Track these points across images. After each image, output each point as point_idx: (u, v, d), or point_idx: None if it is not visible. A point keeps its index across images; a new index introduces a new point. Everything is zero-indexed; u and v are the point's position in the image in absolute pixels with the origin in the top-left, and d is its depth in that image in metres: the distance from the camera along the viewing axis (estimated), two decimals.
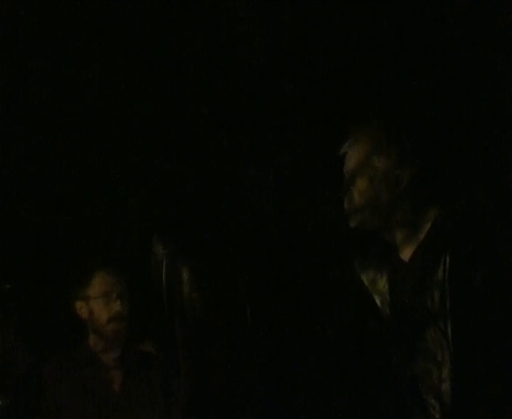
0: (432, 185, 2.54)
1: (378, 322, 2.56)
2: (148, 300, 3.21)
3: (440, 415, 2.34)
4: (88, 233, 3.95)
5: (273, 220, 3.64)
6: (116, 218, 4.01)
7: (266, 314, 3.13)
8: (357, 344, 3.15)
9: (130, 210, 4.00)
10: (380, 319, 2.55)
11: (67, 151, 3.97)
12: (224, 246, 3.17)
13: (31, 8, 3.82)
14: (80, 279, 3.32)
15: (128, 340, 3.32)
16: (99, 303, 3.26)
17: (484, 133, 3.43)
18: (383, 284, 2.54)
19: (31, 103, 3.92)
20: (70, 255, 3.76)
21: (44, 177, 3.97)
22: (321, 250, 3.45)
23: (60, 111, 3.92)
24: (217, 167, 3.78)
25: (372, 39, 3.59)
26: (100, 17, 3.84)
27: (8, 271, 3.65)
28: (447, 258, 2.35)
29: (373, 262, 2.60)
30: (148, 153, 3.92)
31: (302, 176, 3.62)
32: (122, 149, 3.95)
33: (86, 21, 3.84)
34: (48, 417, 3.23)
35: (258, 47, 3.63)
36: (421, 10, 3.53)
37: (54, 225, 3.94)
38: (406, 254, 2.50)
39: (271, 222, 3.65)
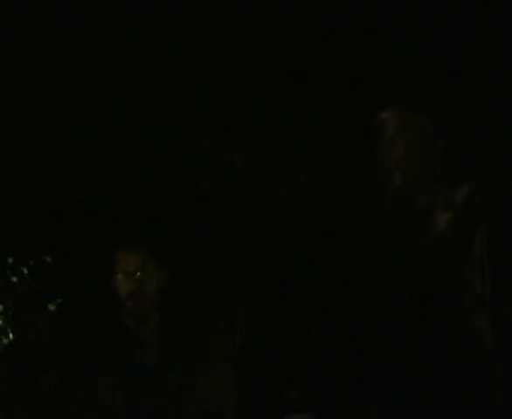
0: (466, 158, 2.58)
1: (416, 295, 2.59)
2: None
3: (492, 390, 2.36)
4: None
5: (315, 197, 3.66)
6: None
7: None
8: (397, 321, 3.16)
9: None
10: (417, 293, 2.59)
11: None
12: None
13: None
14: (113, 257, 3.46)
15: (165, 317, 3.43)
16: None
17: None
18: (418, 256, 2.59)
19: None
20: (113, 231, 3.84)
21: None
22: (355, 227, 3.48)
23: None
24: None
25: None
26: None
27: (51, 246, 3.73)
28: (484, 231, 2.39)
29: (407, 235, 2.65)
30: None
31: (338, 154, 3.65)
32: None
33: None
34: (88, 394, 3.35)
35: (292, 26, 3.67)
36: None
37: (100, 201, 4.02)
38: (440, 226, 2.54)
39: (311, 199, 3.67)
